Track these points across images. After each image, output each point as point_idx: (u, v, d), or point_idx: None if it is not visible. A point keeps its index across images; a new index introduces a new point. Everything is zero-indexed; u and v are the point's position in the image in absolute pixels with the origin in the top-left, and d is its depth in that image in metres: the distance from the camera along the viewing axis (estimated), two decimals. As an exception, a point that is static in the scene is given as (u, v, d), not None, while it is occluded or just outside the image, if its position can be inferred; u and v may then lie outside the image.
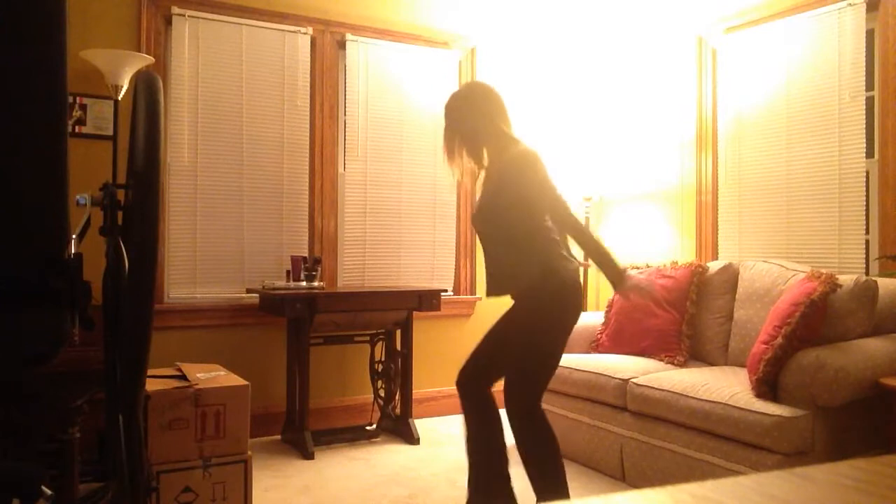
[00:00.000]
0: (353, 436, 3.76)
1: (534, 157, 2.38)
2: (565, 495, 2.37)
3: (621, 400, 3.06)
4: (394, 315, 3.72)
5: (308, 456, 3.43)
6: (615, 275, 2.39)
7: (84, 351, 2.31)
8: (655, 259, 4.32)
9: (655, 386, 2.90)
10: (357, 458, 3.45)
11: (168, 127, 3.66)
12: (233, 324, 3.80)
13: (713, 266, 3.51)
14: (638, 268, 3.78)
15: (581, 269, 2.47)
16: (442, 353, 4.37)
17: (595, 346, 3.64)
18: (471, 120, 2.49)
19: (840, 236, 3.35)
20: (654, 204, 4.41)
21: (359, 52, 4.12)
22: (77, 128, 3.46)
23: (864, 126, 3.28)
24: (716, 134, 4.02)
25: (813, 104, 3.49)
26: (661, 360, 3.32)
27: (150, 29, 3.62)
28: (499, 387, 2.55)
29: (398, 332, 3.87)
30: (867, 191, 3.29)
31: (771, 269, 3.23)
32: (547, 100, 4.72)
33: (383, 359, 3.93)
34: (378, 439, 3.78)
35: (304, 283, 3.62)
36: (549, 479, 2.36)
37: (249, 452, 2.57)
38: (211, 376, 2.66)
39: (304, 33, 4.00)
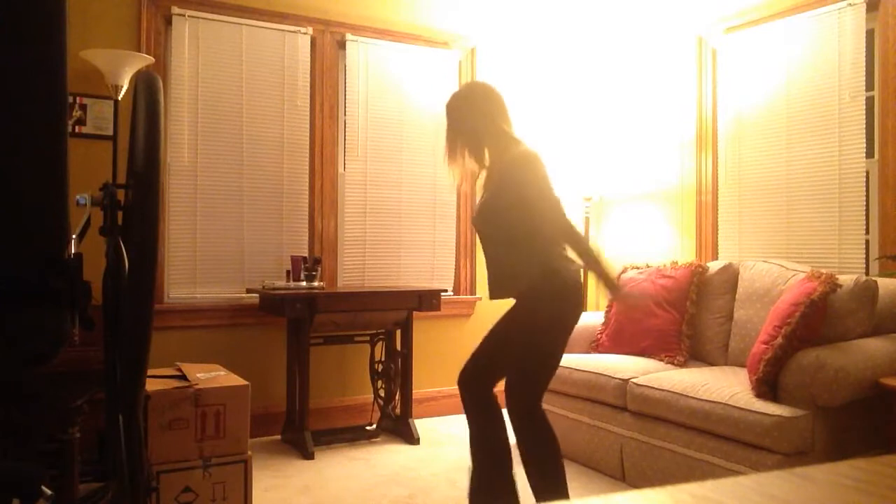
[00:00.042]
0: (353, 436, 3.76)
1: (534, 157, 2.38)
2: (565, 495, 2.37)
3: (621, 400, 3.06)
4: (394, 315, 3.72)
5: (308, 456, 3.43)
6: (607, 282, 2.40)
7: (84, 351, 2.31)
8: (655, 259, 4.32)
9: (655, 386, 2.90)
10: (357, 458, 3.45)
11: (168, 127, 3.66)
12: (233, 324, 3.80)
13: (713, 266, 3.51)
14: (638, 268, 3.78)
15: (581, 270, 2.46)
16: (442, 353, 4.37)
17: (595, 346, 3.64)
18: (471, 120, 2.49)
19: (840, 236, 3.35)
20: (654, 204, 4.41)
21: (359, 52, 4.12)
22: (77, 128, 3.46)
23: (864, 126, 3.28)
24: (716, 134, 4.02)
25: (813, 104, 3.49)
26: (661, 360, 3.32)
27: (150, 29, 3.62)
28: (500, 386, 2.56)
29: (398, 332, 3.87)
30: (867, 191, 3.29)
31: (771, 269, 3.23)
32: (547, 100, 4.72)
33: (383, 359, 3.93)
34: (378, 439, 3.78)
35: (304, 283, 3.62)
36: (548, 480, 2.36)
37: (249, 452, 2.57)
38: (211, 376, 2.66)
39: (304, 33, 4.00)
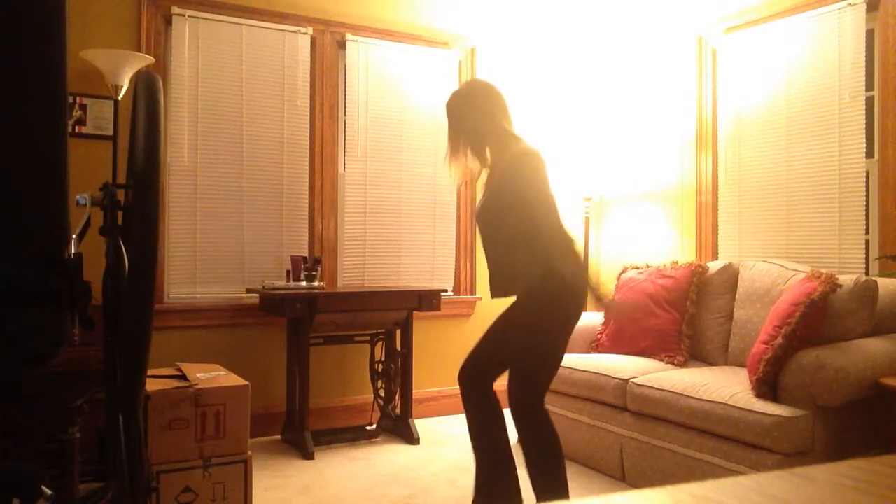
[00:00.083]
0: (353, 436, 3.76)
1: (534, 155, 2.37)
2: (565, 496, 2.37)
3: (621, 400, 3.06)
4: (394, 315, 3.72)
5: (308, 456, 3.43)
6: (593, 294, 2.43)
7: (84, 351, 2.31)
8: (655, 259, 4.32)
9: (655, 386, 2.90)
10: (357, 458, 3.45)
11: (168, 127, 3.66)
12: (233, 324, 3.80)
13: (713, 266, 3.51)
14: (638, 268, 3.78)
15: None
16: (442, 353, 4.37)
17: (595, 346, 3.64)
18: (471, 119, 2.49)
19: (840, 236, 3.35)
20: (654, 204, 4.41)
21: (359, 52, 4.12)
22: (77, 128, 3.46)
23: (864, 126, 3.28)
24: (716, 134, 4.02)
25: (813, 104, 3.49)
26: (661, 360, 3.32)
27: (150, 29, 3.62)
28: (503, 386, 2.56)
29: (398, 332, 3.87)
30: (867, 191, 3.29)
31: (771, 269, 3.23)
32: (547, 100, 4.72)
33: (383, 359, 3.93)
34: (378, 439, 3.78)
35: (304, 283, 3.62)
36: (549, 479, 2.36)
37: (249, 452, 2.57)
38: (211, 376, 2.66)
39: (304, 33, 4.00)
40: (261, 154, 3.89)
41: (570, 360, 3.37)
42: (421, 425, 3.98)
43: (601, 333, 3.65)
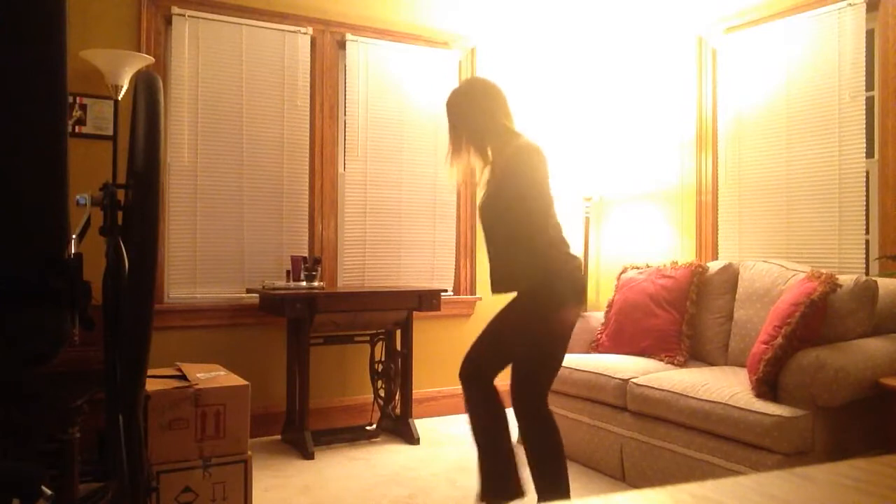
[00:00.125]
0: (353, 436, 3.76)
1: (535, 152, 2.37)
2: (566, 496, 2.37)
3: (621, 400, 3.06)
4: (394, 315, 3.72)
5: (308, 456, 3.43)
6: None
7: (84, 351, 2.31)
8: (655, 259, 4.32)
9: (655, 386, 2.90)
10: (357, 458, 3.45)
11: (168, 127, 3.66)
12: (233, 324, 3.80)
13: (713, 266, 3.51)
14: (638, 268, 3.78)
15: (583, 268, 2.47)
16: (442, 353, 4.37)
17: (595, 346, 3.64)
18: (472, 117, 2.48)
19: (840, 236, 3.35)
20: (654, 204, 4.41)
21: (359, 52, 4.12)
22: (77, 128, 3.46)
23: (864, 126, 3.28)
24: (716, 134, 4.02)
25: (813, 104, 3.49)
26: (661, 360, 3.32)
27: (150, 29, 3.62)
28: (505, 385, 2.56)
29: (398, 332, 3.87)
30: (867, 191, 3.29)
31: (771, 269, 3.23)
32: (547, 100, 4.72)
33: (383, 359, 3.93)
34: (378, 439, 3.78)
35: (304, 283, 3.62)
36: (550, 479, 2.37)
37: (249, 452, 2.57)
38: (211, 376, 2.66)
39: (304, 33, 4.00)
40: (261, 154, 3.89)
41: (570, 360, 3.37)
42: (421, 425, 3.98)
43: (601, 333, 3.65)
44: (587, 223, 4.47)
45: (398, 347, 3.85)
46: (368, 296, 3.61)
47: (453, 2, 4.41)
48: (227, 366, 3.72)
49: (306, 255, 3.95)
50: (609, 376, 3.12)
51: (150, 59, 3.42)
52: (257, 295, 3.75)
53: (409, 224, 4.28)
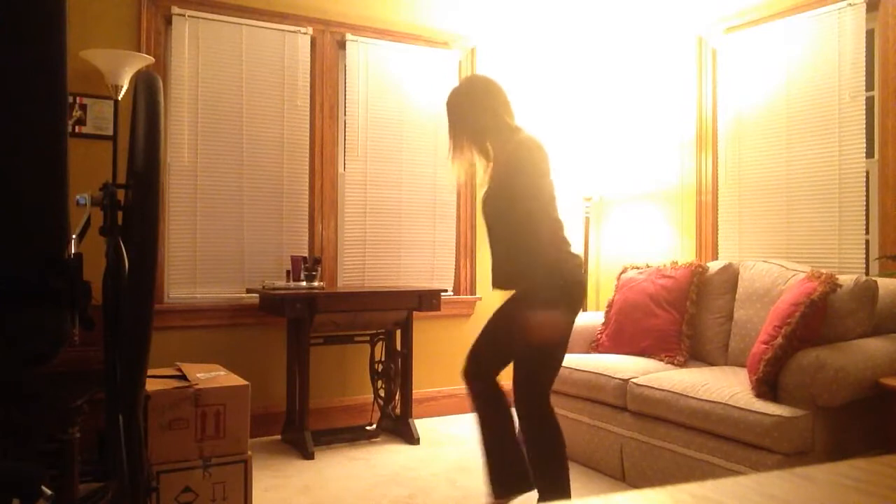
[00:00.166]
0: (353, 436, 3.76)
1: (537, 149, 2.36)
2: (567, 496, 2.37)
3: (621, 400, 3.06)
4: (394, 315, 3.72)
5: (308, 456, 3.43)
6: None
7: (84, 351, 2.31)
8: (655, 259, 4.32)
9: (655, 386, 2.90)
10: (357, 458, 3.45)
11: (168, 127, 3.66)
12: (233, 324, 3.80)
13: (713, 266, 3.51)
14: (638, 268, 3.78)
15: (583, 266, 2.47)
16: (442, 353, 4.37)
17: (595, 346, 3.64)
18: (473, 116, 2.48)
19: (840, 236, 3.35)
20: (654, 204, 4.41)
21: (359, 52, 4.12)
22: (77, 128, 3.46)
23: (864, 126, 3.28)
24: (716, 134, 4.02)
25: (813, 104, 3.49)
26: (661, 360, 3.32)
27: (150, 29, 3.62)
28: (509, 384, 2.56)
29: (398, 332, 3.87)
30: (867, 191, 3.29)
31: (771, 269, 3.23)
32: (547, 100, 4.72)
33: (383, 359, 3.93)
34: (378, 439, 3.78)
35: (304, 283, 3.62)
36: (551, 479, 2.37)
37: (249, 452, 2.57)
38: (211, 376, 2.66)
39: (304, 33, 4.00)
40: (261, 154, 3.89)
41: (570, 360, 3.37)
42: (421, 425, 3.98)
43: (601, 333, 3.65)
44: (587, 223, 4.47)
45: (398, 347, 3.85)
46: (368, 296, 3.61)
47: (453, 2, 4.41)
48: (227, 366, 3.72)
49: (306, 255, 3.95)
50: (609, 376, 3.12)
51: (150, 59, 3.42)
52: (257, 295, 3.75)
53: (409, 224, 4.28)
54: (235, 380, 2.63)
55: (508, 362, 2.51)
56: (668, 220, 4.30)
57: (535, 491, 2.41)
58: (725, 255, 3.92)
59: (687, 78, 4.19)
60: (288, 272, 3.72)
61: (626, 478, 3.04)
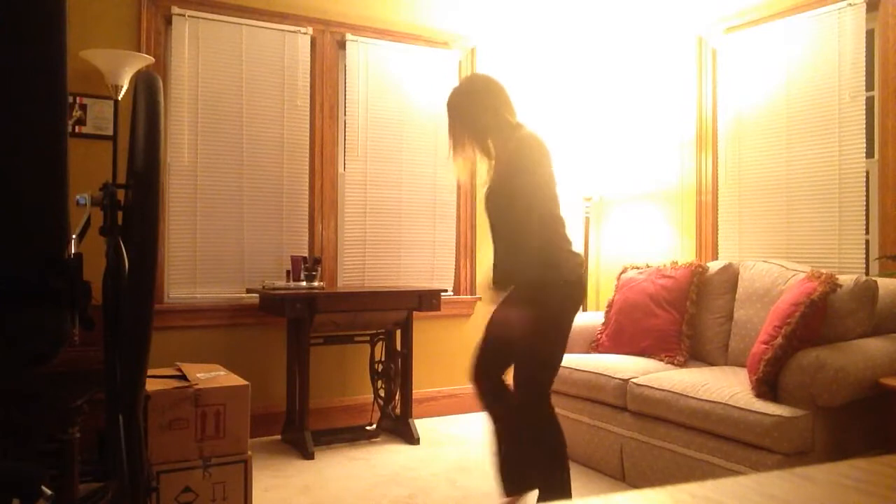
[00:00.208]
0: (353, 436, 3.76)
1: (538, 147, 2.36)
2: (567, 496, 2.37)
3: (621, 400, 3.06)
4: (394, 315, 3.72)
5: (308, 456, 3.43)
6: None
7: (84, 351, 2.31)
8: (655, 259, 4.32)
9: (655, 386, 2.90)
10: (357, 458, 3.45)
11: (168, 127, 3.66)
12: (233, 324, 3.80)
13: (713, 266, 3.51)
14: (638, 268, 3.78)
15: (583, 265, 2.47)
16: (442, 353, 4.37)
17: (595, 346, 3.64)
18: (474, 115, 2.48)
19: (840, 236, 3.35)
20: (654, 204, 4.41)
21: (359, 52, 4.12)
22: (77, 128, 3.46)
23: (864, 126, 3.28)
24: (716, 134, 4.02)
25: (813, 104, 3.49)
26: (661, 360, 3.32)
27: (150, 29, 3.62)
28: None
29: (398, 332, 3.87)
30: (867, 191, 3.29)
31: (771, 269, 3.23)
32: (547, 100, 4.72)
33: (383, 359, 3.93)
34: (378, 439, 3.78)
35: (304, 284, 3.62)
36: (551, 480, 2.36)
37: (249, 452, 2.57)
38: (211, 376, 2.66)
39: (304, 33, 4.00)
40: (261, 154, 3.89)
41: (570, 360, 3.37)
42: (421, 425, 3.98)
43: (601, 333, 3.65)
44: (587, 223, 4.47)
45: (398, 347, 3.85)
46: (368, 296, 3.61)
47: (453, 2, 4.41)
48: (227, 366, 3.72)
49: (306, 255, 3.95)
50: (609, 376, 3.12)
51: (150, 59, 3.42)
52: (257, 295, 3.75)
53: (409, 224, 4.28)
54: (235, 380, 2.63)
55: (510, 363, 2.51)
56: (668, 220, 4.30)
57: (536, 490, 2.41)
58: (725, 255, 3.93)
59: (687, 78, 4.19)
60: (288, 272, 3.72)
61: (626, 478, 3.04)
